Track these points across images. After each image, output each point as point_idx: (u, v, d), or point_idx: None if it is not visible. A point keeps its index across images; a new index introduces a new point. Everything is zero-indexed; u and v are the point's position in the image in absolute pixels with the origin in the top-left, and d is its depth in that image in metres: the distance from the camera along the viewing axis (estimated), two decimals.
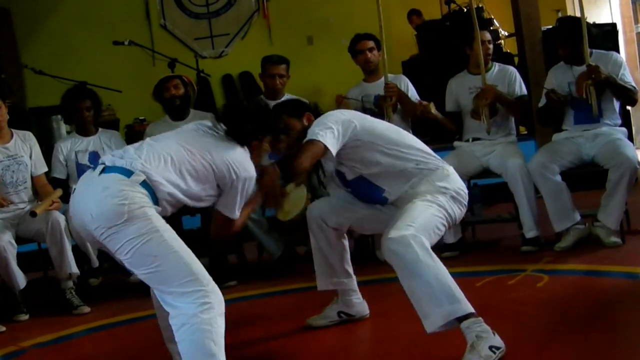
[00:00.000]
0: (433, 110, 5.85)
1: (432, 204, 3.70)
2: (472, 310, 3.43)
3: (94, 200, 3.18)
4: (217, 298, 3.11)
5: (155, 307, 3.66)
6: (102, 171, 3.28)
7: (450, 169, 3.94)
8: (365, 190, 4.00)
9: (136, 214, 3.11)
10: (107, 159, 3.37)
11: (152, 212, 3.18)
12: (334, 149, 3.70)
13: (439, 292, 3.39)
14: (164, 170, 3.30)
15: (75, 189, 3.38)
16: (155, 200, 3.26)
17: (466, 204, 3.90)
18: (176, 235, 3.20)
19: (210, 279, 3.15)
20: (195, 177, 3.37)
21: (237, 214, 3.56)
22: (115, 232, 3.10)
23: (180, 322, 3.06)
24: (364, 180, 3.94)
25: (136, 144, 3.50)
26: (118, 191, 3.15)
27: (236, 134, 3.51)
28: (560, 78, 5.68)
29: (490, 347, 3.36)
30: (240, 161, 3.45)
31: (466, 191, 3.91)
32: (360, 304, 4.35)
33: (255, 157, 3.58)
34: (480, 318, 3.43)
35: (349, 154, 3.86)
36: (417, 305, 3.44)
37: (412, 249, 3.42)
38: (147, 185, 3.23)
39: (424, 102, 5.86)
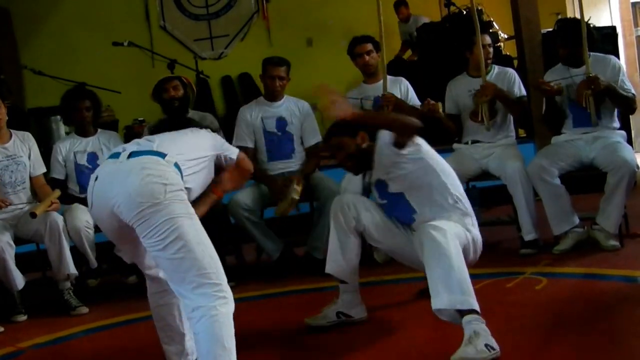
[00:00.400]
0: (440, 110, 5.88)
1: (461, 228, 3.94)
2: (478, 309, 3.56)
3: (133, 180, 3.19)
4: (230, 295, 3.15)
5: (151, 308, 3.67)
6: (130, 156, 3.32)
7: (476, 222, 4.15)
8: (399, 208, 4.17)
9: (175, 195, 3.16)
10: (128, 146, 3.43)
11: (185, 195, 3.25)
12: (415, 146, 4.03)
13: (456, 281, 3.58)
14: (182, 155, 3.40)
15: (97, 176, 3.38)
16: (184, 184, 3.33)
17: (478, 255, 4.12)
18: (202, 227, 3.24)
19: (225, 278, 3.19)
20: (198, 161, 3.53)
21: (234, 149, 3.87)
22: (152, 212, 3.11)
23: (199, 314, 3.07)
24: (402, 197, 4.14)
25: (141, 139, 3.61)
26: (158, 170, 3.21)
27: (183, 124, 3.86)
28: (557, 80, 5.68)
29: (486, 345, 3.43)
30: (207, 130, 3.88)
31: (482, 246, 4.14)
32: (359, 306, 4.37)
33: None
34: (483, 319, 3.53)
35: (406, 165, 4.06)
36: (433, 283, 3.63)
37: (448, 240, 3.69)
38: (179, 168, 3.32)
39: (432, 102, 5.86)
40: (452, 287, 3.57)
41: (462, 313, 3.56)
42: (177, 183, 3.22)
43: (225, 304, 3.10)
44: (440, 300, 3.58)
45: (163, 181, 3.16)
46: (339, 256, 4.25)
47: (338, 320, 4.31)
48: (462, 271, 3.63)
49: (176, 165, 3.31)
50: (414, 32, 10.49)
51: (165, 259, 3.17)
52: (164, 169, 3.24)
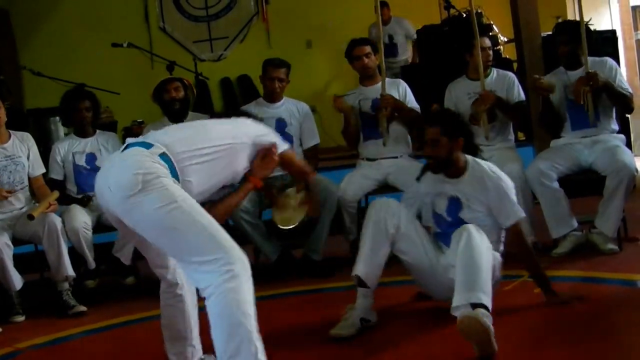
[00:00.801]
0: None
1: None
2: (490, 309, 3.71)
3: (113, 173, 3.22)
4: (241, 264, 3.07)
5: (161, 305, 3.65)
6: (125, 149, 3.33)
7: None
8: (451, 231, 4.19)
9: (152, 183, 3.11)
10: (131, 140, 3.42)
11: (169, 182, 3.17)
12: None
13: (482, 280, 3.77)
14: (176, 146, 3.33)
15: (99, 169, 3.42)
16: (176, 175, 3.26)
17: None
18: (195, 203, 3.18)
19: (234, 245, 3.11)
20: (203, 151, 3.42)
21: (271, 138, 3.77)
22: (132, 204, 3.10)
23: (208, 293, 3.03)
24: (457, 222, 4.24)
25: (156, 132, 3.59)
26: (135, 162, 3.19)
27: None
28: (556, 82, 5.69)
29: (488, 325, 3.56)
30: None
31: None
32: (372, 310, 4.32)
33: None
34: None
35: (493, 208, 4.27)
36: (461, 277, 3.80)
37: (484, 244, 3.91)
38: (167, 158, 3.25)
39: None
40: (475, 285, 3.73)
41: (474, 306, 3.67)
42: (155, 171, 3.16)
43: (232, 278, 3.02)
44: (459, 298, 3.73)
45: (136, 171, 3.12)
46: (370, 260, 4.21)
47: (363, 327, 4.20)
48: (488, 275, 3.82)
49: (163, 155, 3.25)
50: (394, 34, 10.45)
51: (163, 248, 3.20)
52: (141, 159, 3.20)
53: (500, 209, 4.23)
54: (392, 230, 4.20)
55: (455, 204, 4.29)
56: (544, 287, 4.34)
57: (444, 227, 4.32)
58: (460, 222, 4.20)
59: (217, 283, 3.02)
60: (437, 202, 4.37)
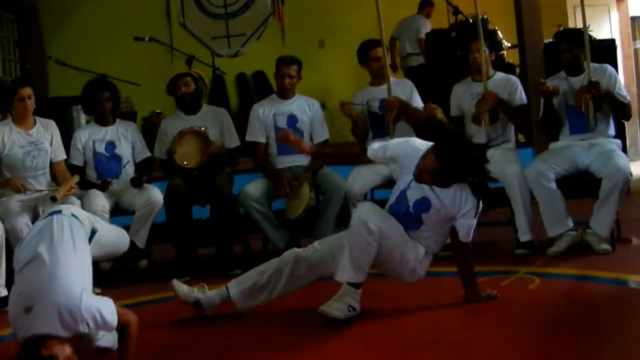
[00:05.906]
0: (439, 114, 5.82)
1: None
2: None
3: None
4: None
5: None
6: None
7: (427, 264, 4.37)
8: (410, 223, 4.21)
9: None
10: None
11: None
12: None
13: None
14: None
15: None
16: None
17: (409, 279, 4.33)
18: None
19: None
20: None
21: None
22: None
23: None
24: (421, 225, 4.21)
25: None
26: None
27: None
28: (555, 82, 5.66)
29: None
30: None
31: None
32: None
33: None
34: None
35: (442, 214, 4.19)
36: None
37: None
38: None
39: (432, 105, 5.83)
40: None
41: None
42: None
43: None
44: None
45: None
46: (359, 266, 4.05)
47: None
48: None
49: None
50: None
51: None
52: None
53: (462, 225, 4.18)
54: (375, 245, 4.01)
55: (423, 205, 4.17)
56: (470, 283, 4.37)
57: (400, 212, 4.21)
58: (417, 220, 4.19)
59: None
60: (413, 188, 4.23)
